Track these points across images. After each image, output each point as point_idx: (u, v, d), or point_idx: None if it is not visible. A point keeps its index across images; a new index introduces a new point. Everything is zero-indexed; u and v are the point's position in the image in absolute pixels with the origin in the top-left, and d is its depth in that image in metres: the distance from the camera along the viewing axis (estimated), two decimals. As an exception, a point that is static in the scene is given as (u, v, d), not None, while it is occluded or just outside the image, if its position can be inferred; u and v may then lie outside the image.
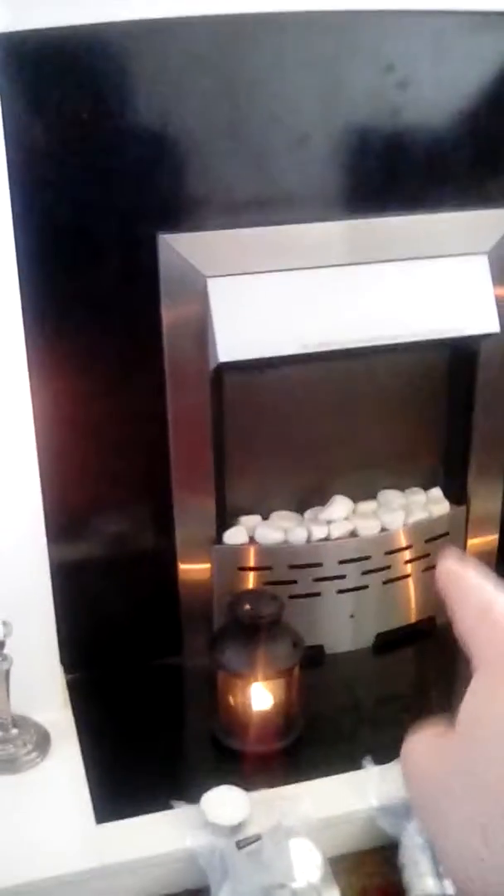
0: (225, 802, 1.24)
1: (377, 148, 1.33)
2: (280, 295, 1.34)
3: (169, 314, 1.33)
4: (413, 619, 1.62)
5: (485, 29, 1.31)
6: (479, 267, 1.41)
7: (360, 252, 1.36)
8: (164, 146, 1.26)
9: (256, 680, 1.36)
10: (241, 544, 1.51)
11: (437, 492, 1.62)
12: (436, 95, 1.32)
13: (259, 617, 1.34)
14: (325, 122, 1.30)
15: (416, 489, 1.62)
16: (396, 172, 1.35)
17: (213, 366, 1.35)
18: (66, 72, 1.19)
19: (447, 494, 1.62)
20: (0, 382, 1.25)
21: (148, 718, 1.46)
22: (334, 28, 1.25)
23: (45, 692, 1.41)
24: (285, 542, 1.51)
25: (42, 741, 1.37)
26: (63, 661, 1.45)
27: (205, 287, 1.31)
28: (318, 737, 1.41)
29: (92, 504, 1.46)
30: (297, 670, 1.38)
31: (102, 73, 1.20)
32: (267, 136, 1.28)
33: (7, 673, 1.30)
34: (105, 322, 1.34)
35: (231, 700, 1.38)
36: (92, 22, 1.15)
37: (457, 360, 1.53)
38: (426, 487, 1.63)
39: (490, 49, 1.32)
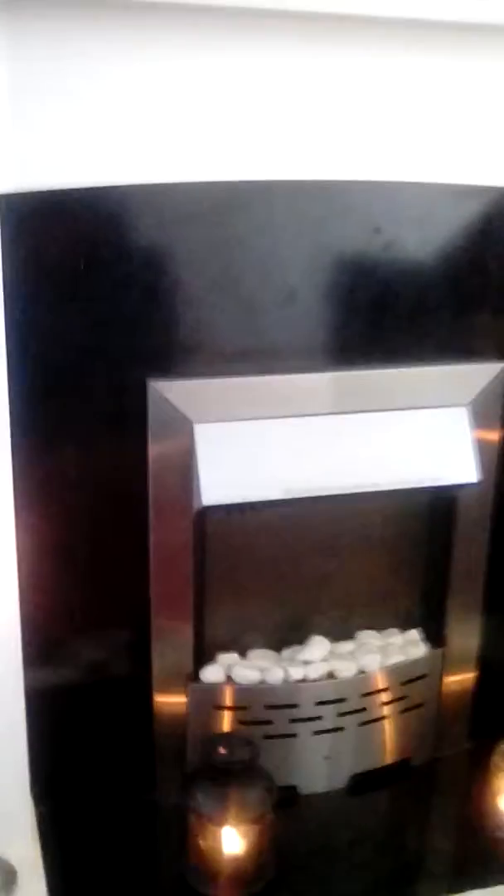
0: None
1: (362, 304, 1.38)
2: (265, 441, 1.38)
3: (155, 455, 1.36)
4: (389, 760, 1.62)
5: (466, 198, 1.37)
6: (460, 418, 1.45)
7: (344, 402, 1.40)
8: (156, 297, 1.30)
9: (228, 824, 1.35)
10: (218, 683, 1.51)
11: (414, 633, 1.64)
12: (420, 256, 1.38)
13: (232, 762, 1.34)
14: (313, 279, 1.35)
15: (393, 630, 1.64)
16: (381, 327, 1.40)
17: (196, 507, 1.37)
18: (65, 227, 1.25)
19: (425, 635, 1.63)
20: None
21: (118, 856, 1.45)
22: (324, 193, 1.31)
23: (14, 825, 1.40)
24: (262, 681, 1.51)
25: (9, 879, 1.35)
26: (33, 792, 1.44)
27: (191, 431, 1.35)
28: (291, 881, 1.40)
29: (70, 631, 1.46)
30: (269, 814, 1.37)
31: (99, 228, 1.26)
32: (256, 291, 1.34)
33: (-24, 809, 1.30)
34: (92, 457, 1.37)
35: (202, 843, 1.37)
36: (90, 184, 1.21)
37: (436, 505, 1.56)
38: (404, 628, 1.64)
39: (470, 215, 1.38)
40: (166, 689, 1.51)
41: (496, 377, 1.47)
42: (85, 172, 1.21)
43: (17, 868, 1.37)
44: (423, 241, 1.38)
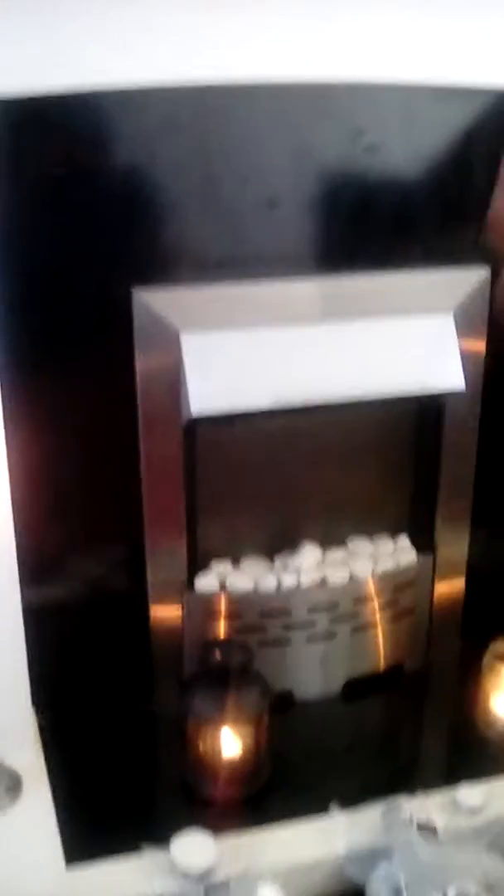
0: (193, 848, 1.26)
1: (346, 209, 1.37)
2: (251, 350, 1.38)
3: (142, 366, 1.37)
4: (382, 665, 1.65)
5: (450, 100, 1.36)
6: (445, 325, 1.45)
7: (329, 309, 1.41)
8: (138, 205, 1.30)
9: (225, 727, 1.38)
10: (213, 592, 1.53)
11: (404, 540, 1.66)
12: (403, 159, 1.37)
13: (228, 665, 1.37)
14: (295, 185, 1.34)
15: (384, 537, 1.66)
16: (364, 232, 1.40)
17: (185, 418, 1.38)
18: (42, 134, 1.23)
19: (414, 542, 1.66)
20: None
21: (119, 762, 1.48)
22: (306, 96, 1.30)
23: (17, 734, 1.43)
24: (255, 589, 1.54)
25: (13, 784, 1.38)
26: (35, 703, 1.47)
27: (178, 341, 1.35)
28: (287, 783, 1.43)
29: (65, 547, 1.48)
30: (265, 717, 1.40)
31: (79, 135, 1.25)
32: (238, 197, 1.33)
33: (-21, 718, 1.32)
34: (80, 371, 1.38)
35: (200, 746, 1.40)
36: (70, 88, 1.19)
37: (424, 412, 1.57)
38: (394, 535, 1.66)
39: (454, 117, 1.37)
40: (162, 601, 1.53)
41: (481, 283, 1.47)
42: (62, 77, 1.19)
43: (21, 775, 1.40)
44: (406, 145, 1.37)
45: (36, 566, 1.43)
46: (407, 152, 1.37)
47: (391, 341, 1.44)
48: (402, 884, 1.22)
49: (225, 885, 1.22)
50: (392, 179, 1.38)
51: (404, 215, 1.40)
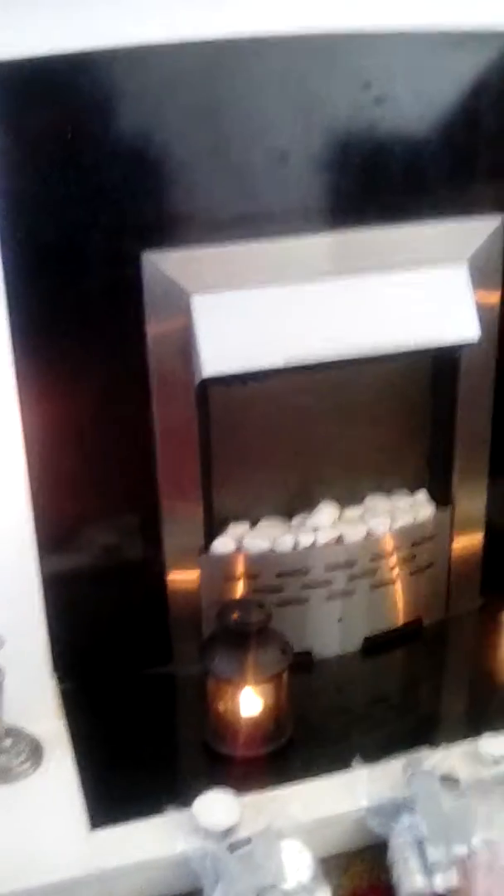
0: (216, 806, 1.27)
1: (356, 162, 1.35)
2: (264, 309, 1.36)
3: (154, 329, 1.36)
4: (400, 621, 1.65)
5: (459, 47, 1.33)
6: (459, 276, 1.43)
7: (341, 264, 1.39)
8: (147, 165, 1.28)
9: (246, 685, 1.38)
10: (229, 553, 1.53)
11: (422, 495, 1.65)
12: (412, 110, 1.35)
13: (247, 624, 1.37)
14: (305, 139, 1.32)
15: (401, 493, 1.65)
16: (375, 185, 1.38)
17: (197, 380, 1.37)
18: (51, 94, 1.21)
19: (432, 497, 1.65)
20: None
21: (140, 726, 1.49)
22: (312, 49, 1.27)
23: (37, 703, 1.44)
24: (272, 550, 1.53)
25: (35, 751, 1.39)
26: (55, 671, 1.48)
27: (189, 303, 1.34)
28: (308, 740, 1.44)
29: (81, 515, 1.48)
30: (285, 675, 1.40)
31: (86, 94, 1.23)
32: (248, 154, 1.31)
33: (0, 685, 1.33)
34: (91, 337, 1.37)
35: (221, 706, 1.41)
36: (75, 48, 1.17)
37: (439, 366, 1.56)
38: (411, 490, 1.65)
39: (464, 65, 1.34)
40: (178, 565, 1.53)
41: (494, 232, 1.45)
42: (67, 38, 1.17)
43: (43, 742, 1.41)
44: (415, 95, 1.34)
45: (53, 535, 1.43)
46: (416, 103, 1.34)
47: (405, 294, 1.42)
48: (425, 835, 1.23)
49: (248, 841, 1.22)
50: (402, 130, 1.35)
51: (415, 166, 1.38)
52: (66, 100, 1.23)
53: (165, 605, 1.54)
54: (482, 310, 1.46)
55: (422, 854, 1.23)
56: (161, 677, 1.57)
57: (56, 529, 1.44)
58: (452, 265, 1.44)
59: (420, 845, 1.23)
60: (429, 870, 1.22)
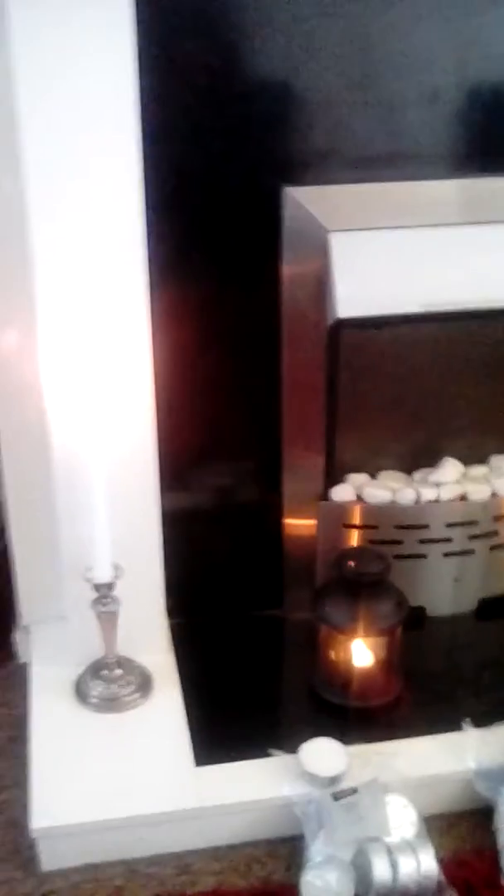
0: (322, 754, 1.26)
1: (509, 105, 1.30)
2: (403, 252, 1.33)
3: (289, 267, 1.34)
4: (518, 586, 1.61)
5: None
6: None
7: (486, 211, 1.34)
8: (292, 98, 1.25)
9: (358, 636, 1.37)
10: (348, 502, 1.51)
11: (549, 460, 1.60)
12: None
13: (364, 574, 1.35)
14: (459, 78, 1.28)
15: (528, 455, 1.60)
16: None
17: (331, 321, 1.34)
18: (199, 23, 1.20)
19: None
20: (123, 334, 1.26)
21: (247, 667, 1.48)
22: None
23: (149, 635, 1.45)
24: (393, 501, 1.51)
25: (144, 683, 1.40)
26: (167, 606, 1.48)
27: (326, 241, 1.31)
28: (418, 697, 1.42)
29: (203, 456, 1.48)
30: (399, 629, 1.38)
31: (233, 24, 1.20)
32: (397, 90, 1.27)
33: (115, 614, 1.34)
34: (225, 273, 1.35)
35: (332, 655, 1.39)
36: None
37: None
38: (539, 454, 1.61)
39: None
40: (296, 511, 1.52)
41: None
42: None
43: (153, 675, 1.42)
44: None
45: (173, 472, 1.43)
46: None
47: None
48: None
49: (354, 791, 1.21)
50: None
51: None
52: (215, 30, 1.20)
53: (280, 550, 1.54)
54: None
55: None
56: (270, 620, 1.56)
57: (178, 467, 1.44)
58: None
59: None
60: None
